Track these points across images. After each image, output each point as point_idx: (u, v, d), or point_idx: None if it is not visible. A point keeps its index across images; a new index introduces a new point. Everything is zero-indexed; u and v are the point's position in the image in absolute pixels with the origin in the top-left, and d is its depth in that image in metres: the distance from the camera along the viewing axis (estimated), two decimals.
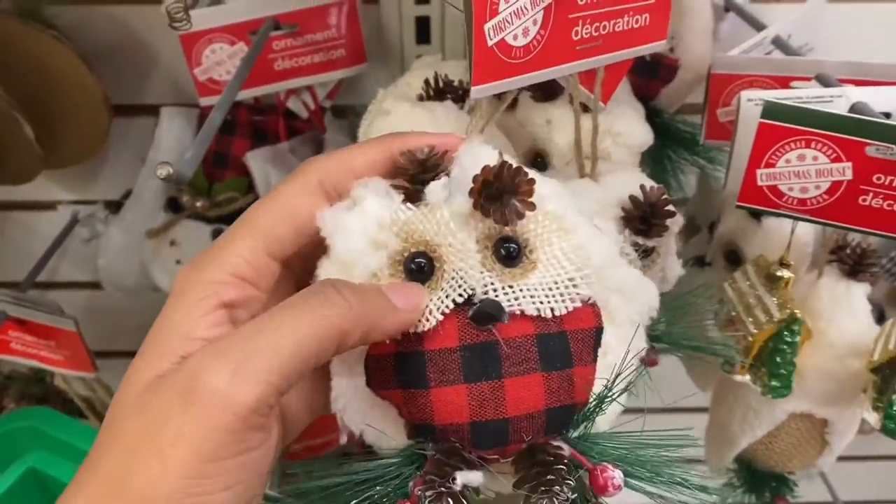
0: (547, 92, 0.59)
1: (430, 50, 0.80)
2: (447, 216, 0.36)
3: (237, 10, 0.69)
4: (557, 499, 0.33)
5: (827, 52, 0.69)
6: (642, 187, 0.50)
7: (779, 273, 0.61)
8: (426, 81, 0.56)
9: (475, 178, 0.35)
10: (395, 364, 0.36)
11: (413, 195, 0.37)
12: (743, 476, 0.74)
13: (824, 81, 0.58)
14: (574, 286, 0.37)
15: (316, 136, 0.82)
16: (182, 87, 0.85)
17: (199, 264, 0.34)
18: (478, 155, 0.37)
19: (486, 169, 0.34)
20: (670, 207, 0.50)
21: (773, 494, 0.73)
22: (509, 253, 0.36)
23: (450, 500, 0.33)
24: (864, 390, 0.63)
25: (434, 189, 0.36)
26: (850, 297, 0.62)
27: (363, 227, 0.35)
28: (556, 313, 0.36)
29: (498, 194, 0.34)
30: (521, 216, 0.35)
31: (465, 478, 0.35)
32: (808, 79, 0.61)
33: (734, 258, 0.71)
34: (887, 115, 0.53)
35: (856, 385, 0.63)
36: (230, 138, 0.79)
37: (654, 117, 0.70)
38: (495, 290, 0.35)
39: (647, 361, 0.70)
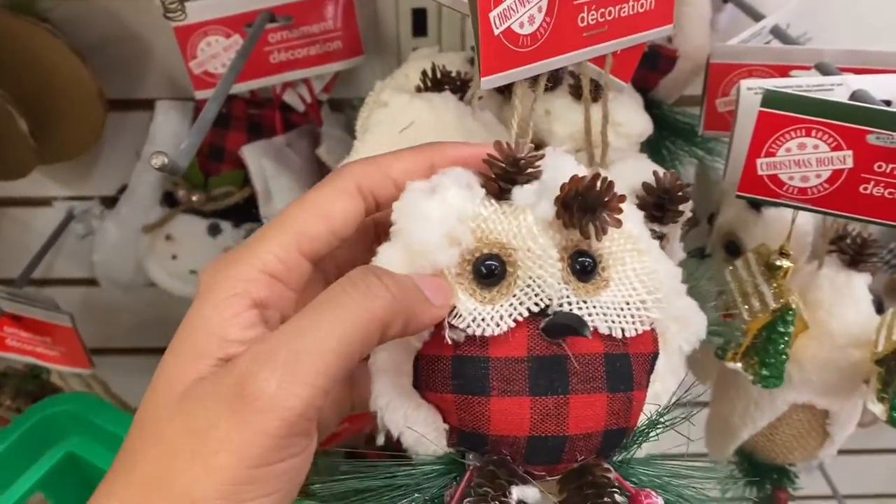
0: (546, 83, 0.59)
1: (427, 42, 0.80)
2: (531, 220, 0.34)
3: (233, 2, 0.69)
4: None
5: (826, 40, 0.68)
6: (655, 173, 0.50)
7: (778, 262, 0.60)
8: (424, 72, 0.56)
9: (565, 187, 0.33)
10: (454, 367, 0.34)
11: (498, 193, 0.35)
12: (744, 468, 0.73)
13: (824, 70, 0.58)
14: (645, 309, 0.36)
15: (312, 129, 0.81)
16: (177, 81, 0.84)
17: (229, 261, 0.33)
18: (564, 163, 0.36)
19: (577, 178, 0.33)
20: (685, 192, 0.50)
21: (773, 486, 0.72)
22: (584, 267, 0.35)
23: None
24: (865, 381, 0.62)
25: (525, 191, 0.35)
26: (850, 287, 0.62)
27: (442, 217, 0.34)
28: (626, 335, 0.35)
29: (591, 206, 0.33)
30: (605, 231, 0.34)
31: (522, 493, 0.34)
32: (808, 68, 0.60)
33: (734, 249, 0.70)
34: (888, 103, 0.53)
35: (857, 375, 0.63)
36: (226, 132, 0.78)
37: (652, 109, 0.69)
38: (570, 304, 0.34)
39: None
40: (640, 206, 0.50)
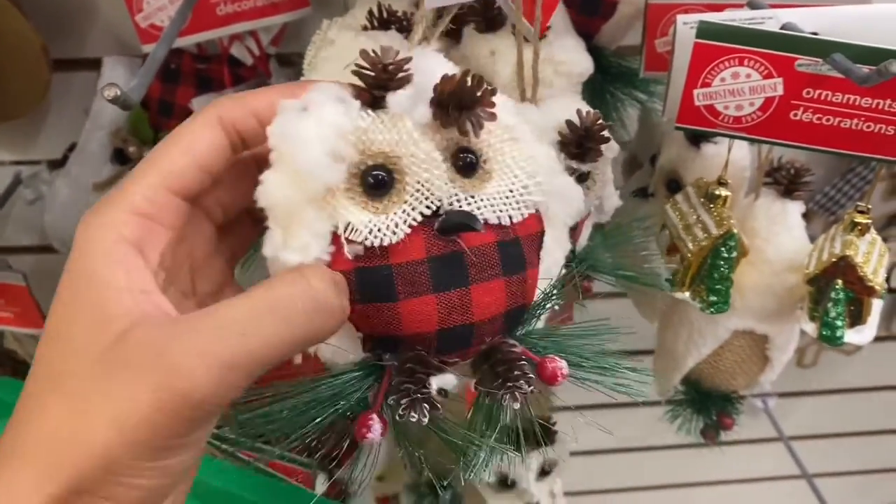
0: (490, 22, 0.60)
1: None
2: (410, 126, 0.35)
3: None
4: (520, 392, 0.36)
5: None
6: (578, 112, 0.51)
7: (717, 192, 0.63)
8: (370, 11, 0.57)
9: (437, 87, 0.34)
10: (358, 279, 0.35)
11: (372, 102, 0.35)
12: (690, 397, 0.76)
13: (755, 6, 0.60)
14: (528, 194, 0.37)
15: (262, 83, 0.81)
16: (124, 39, 0.83)
17: (99, 209, 0.33)
18: (433, 64, 0.36)
19: (449, 78, 0.34)
20: (605, 133, 0.51)
21: (718, 413, 0.76)
22: (467, 163, 0.36)
23: (426, 405, 0.34)
24: (801, 307, 0.66)
25: (400, 98, 0.35)
26: (785, 215, 0.65)
27: (320, 135, 0.33)
28: (514, 220, 0.37)
29: (465, 105, 0.34)
30: (482, 126, 0.35)
31: (441, 381, 0.36)
32: (741, 6, 0.63)
33: (675, 187, 0.73)
34: (814, 35, 0.56)
35: (793, 300, 0.66)
36: (175, 87, 0.78)
37: (595, 54, 0.71)
38: (459, 201, 0.36)
39: (584, 288, 0.72)
40: (561, 144, 0.52)
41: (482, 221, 0.36)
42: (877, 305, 0.61)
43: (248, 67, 0.80)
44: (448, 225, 0.35)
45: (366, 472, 0.41)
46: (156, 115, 0.78)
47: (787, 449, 1.23)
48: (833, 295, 0.60)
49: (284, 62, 0.84)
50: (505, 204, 0.37)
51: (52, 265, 1.00)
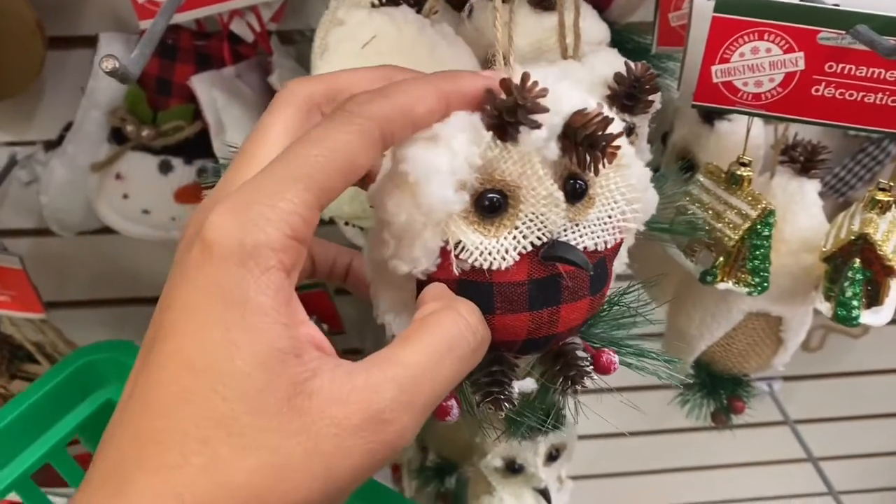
0: None
1: None
2: (537, 163, 0.35)
3: None
4: (581, 387, 0.39)
5: None
6: (627, 63, 0.51)
7: (739, 172, 0.61)
8: None
9: (570, 124, 0.34)
10: (459, 289, 0.35)
11: (503, 134, 0.34)
12: (701, 380, 0.75)
13: None
14: (626, 221, 0.38)
15: (262, 61, 0.80)
16: (120, 15, 0.81)
17: (250, 220, 0.28)
18: (562, 91, 0.35)
19: (582, 116, 0.34)
20: (656, 82, 0.50)
21: (729, 396, 0.75)
22: (576, 190, 0.36)
23: (506, 404, 0.37)
24: (816, 287, 0.64)
25: (534, 138, 0.34)
26: (802, 194, 0.64)
27: (452, 168, 0.33)
28: (608, 246, 0.38)
29: (593, 144, 0.34)
30: (604, 166, 0.36)
31: (522, 386, 0.39)
32: None
33: (687, 166, 0.71)
34: (836, 6, 0.54)
35: (808, 280, 0.64)
36: (173, 64, 0.76)
37: None
38: (566, 230, 0.36)
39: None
40: (611, 97, 0.51)
41: (582, 249, 0.36)
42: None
43: (249, 45, 0.78)
44: (554, 257, 0.36)
45: None
46: (154, 95, 0.76)
47: (793, 432, 1.23)
48: (850, 274, 0.59)
49: (286, 39, 0.82)
50: (603, 230, 0.37)
51: (50, 249, 0.99)
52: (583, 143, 0.34)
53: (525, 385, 0.39)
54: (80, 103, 0.78)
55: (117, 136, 0.78)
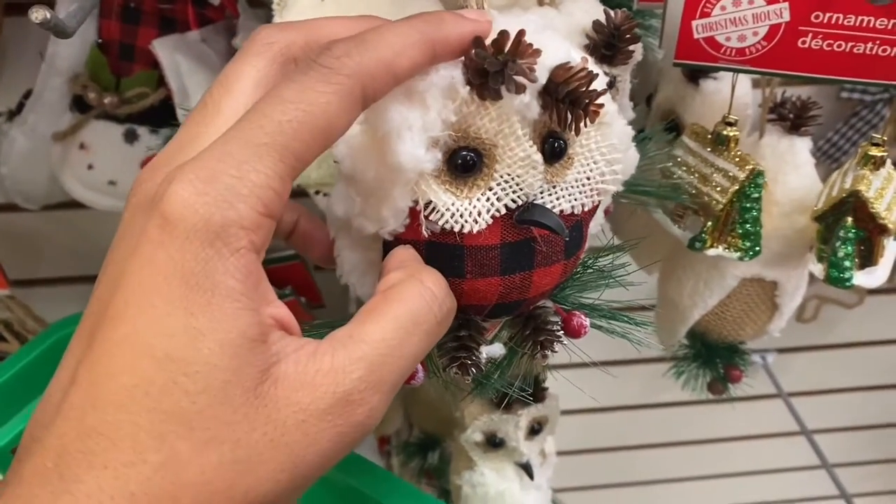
0: None
1: None
2: (516, 122, 0.32)
3: None
4: (551, 351, 0.39)
5: None
6: (606, 11, 0.48)
7: (725, 132, 0.59)
8: None
9: (553, 78, 0.32)
10: (428, 252, 0.34)
11: (484, 92, 0.32)
12: (696, 349, 0.73)
13: None
14: (604, 182, 0.36)
15: (229, 25, 0.76)
16: None
17: (220, 196, 0.25)
18: (546, 43, 0.33)
19: (566, 70, 0.32)
20: (636, 31, 0.48)
21: (725, 365, 0.72)
22: (554, 151, 0.34)
23: (473, 369, 0.36)
24: (810, 249, 0.62)
25: (517, 101, 0.32)
26: (793, 153, 0.61)
27: (425, 126, 0.31)
28: (585, 209, 0.36)
29: (575, 101, 0.32)
30: (586, 125, 0.34)
31: (490, 351, 0.39)
32: None
33: (673, 127, 0.69)
34: None
35: (803, 243, 0.62)
36: (136, 28, 0.73)
37: None
38: (542, 193, 0.34)
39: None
40: (590, 47, 0.49)
41: (558, 212, 0.35)
42: (891, 245, 0.57)
43: (215, 8, 0.74)
44: (530, 221, 0.34)
45: None
46: (116, 61, 0.73)
47: (787, 405, 1.21)
48: (841, 234, 0.56)
49: (254, 2, 0.79)
50: (581, 192, 0.36)
51: (17, 226, 0.96)
52: (564, 99, 0.32)
53: (493, 350, 0.39)
54: (40, 69, 0.75)
55: (80, 105, 0.75)
